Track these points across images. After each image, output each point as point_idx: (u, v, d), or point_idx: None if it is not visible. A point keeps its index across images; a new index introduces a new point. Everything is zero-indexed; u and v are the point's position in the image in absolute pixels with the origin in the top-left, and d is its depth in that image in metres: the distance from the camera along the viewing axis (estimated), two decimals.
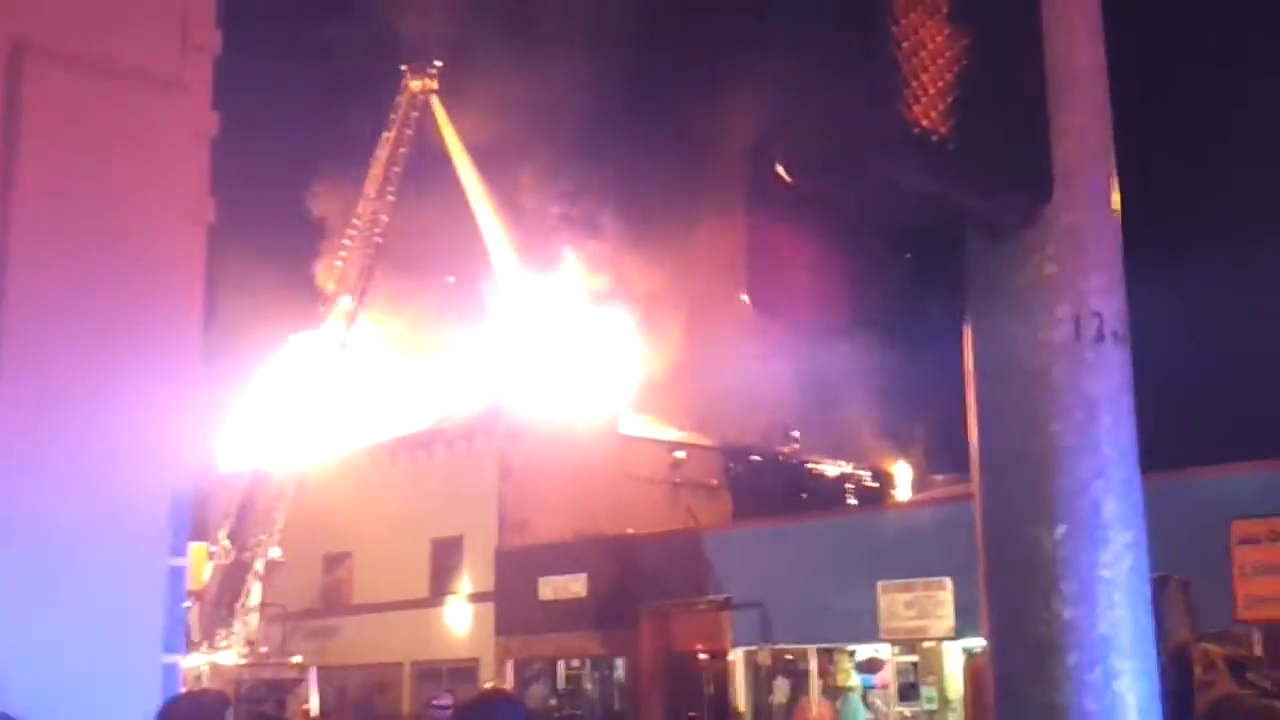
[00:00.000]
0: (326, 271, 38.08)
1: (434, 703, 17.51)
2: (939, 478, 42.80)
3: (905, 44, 2.61)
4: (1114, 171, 3.12)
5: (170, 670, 6.43)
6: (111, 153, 6.37)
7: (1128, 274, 3.12)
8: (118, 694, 6.19)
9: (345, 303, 35.98)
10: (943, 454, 44.40)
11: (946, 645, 29.26)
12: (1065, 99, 3.02)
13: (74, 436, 6.18)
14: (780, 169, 2.76)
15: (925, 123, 2.63)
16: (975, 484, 3.09)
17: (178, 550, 6.55)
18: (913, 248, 3.28)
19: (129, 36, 6.45)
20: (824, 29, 2.67)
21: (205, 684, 30.81)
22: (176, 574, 6.52)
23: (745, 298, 3.53)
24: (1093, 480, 2.92)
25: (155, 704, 6.32)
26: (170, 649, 6.45)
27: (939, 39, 2.68)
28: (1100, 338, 2.97)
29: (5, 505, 5.97)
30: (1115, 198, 3.11)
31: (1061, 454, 2.93)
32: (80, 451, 6.20)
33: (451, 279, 37.33)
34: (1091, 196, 3.04)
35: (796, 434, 44.42)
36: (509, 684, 37.35)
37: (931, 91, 2.65)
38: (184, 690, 5.42)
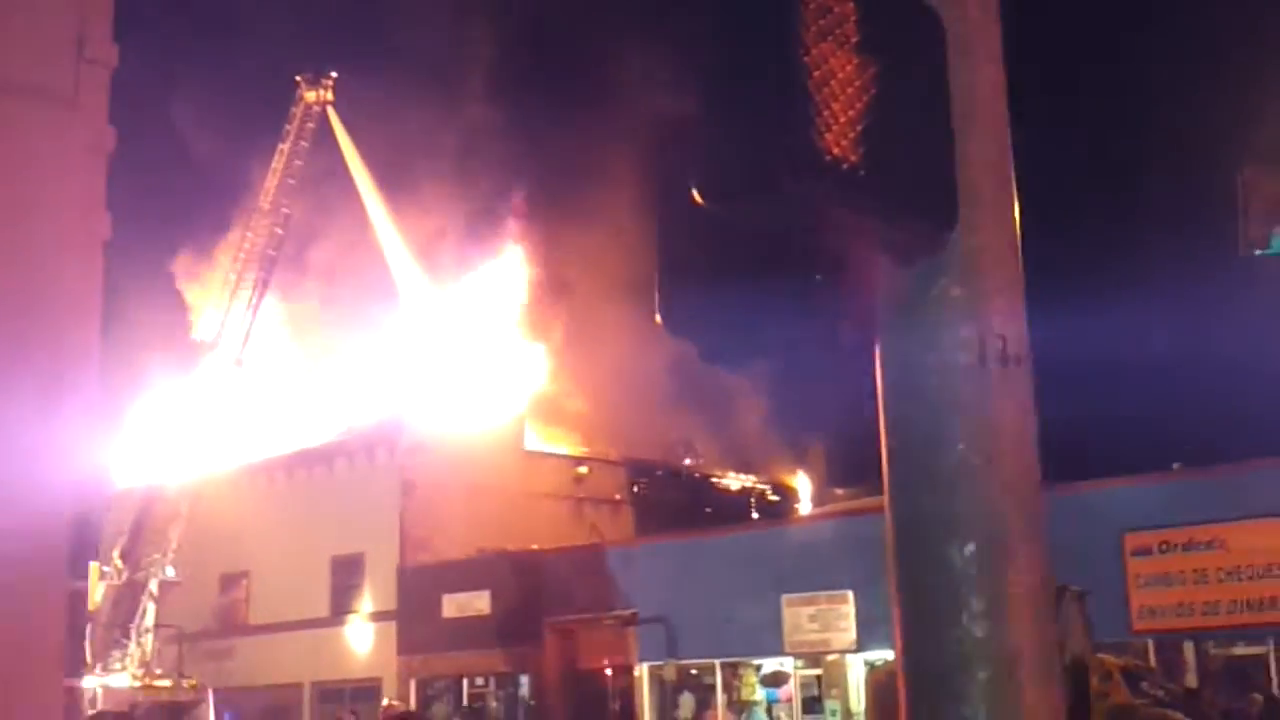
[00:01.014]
0: (221, 285, 37.45)
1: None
2: (839, 490, 43.24)
3: (816, 73, 2.67)
4: (1014, 196, 3.21)
5: (72, 693, 6.28)
6: (4, 168, 6.23)
7: (1027, 290, 3.21)
8: (20, 714, 6.05)
9: (240, 316, 35.42)
10: (843, 467, 44.92)
11: (849, 658, 29.56)
12: (968, 126, 3.11)
13: None
14: (695, 193, 2.80)
15: (836, 150, 2.69)
16: (886, 503, 3.15)
17: (78, 572, 6.42)
18: (824, 270, 3.34)
19: (23, 51, 6.32)
20: (740, 59, 2.71)
21: (100, 707, 30.12)
22: (77, 596, 6.38)
23: (659, 319, 3.57)
24: (1000, 497, 2.99)
25: None
26: (71, 673, 6.31)
27: (848, 69, 2.74)
28: (1004, 359, 3.05)
29: None
30: (1016, 222, 3.20)
31: (969, 473, 3.00)
32: None
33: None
34: (994, 221, 3.13)
35: (681, 448, 44.64)
36: (412, 703, 37.00)
37: (842, 120, 2.71)
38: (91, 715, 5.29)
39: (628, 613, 33.03)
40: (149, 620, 33.21)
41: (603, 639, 33.89)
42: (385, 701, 19.80)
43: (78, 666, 5.89)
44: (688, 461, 45.39)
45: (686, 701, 32.94)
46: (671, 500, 42.23)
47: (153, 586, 33.49)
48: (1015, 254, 3.17)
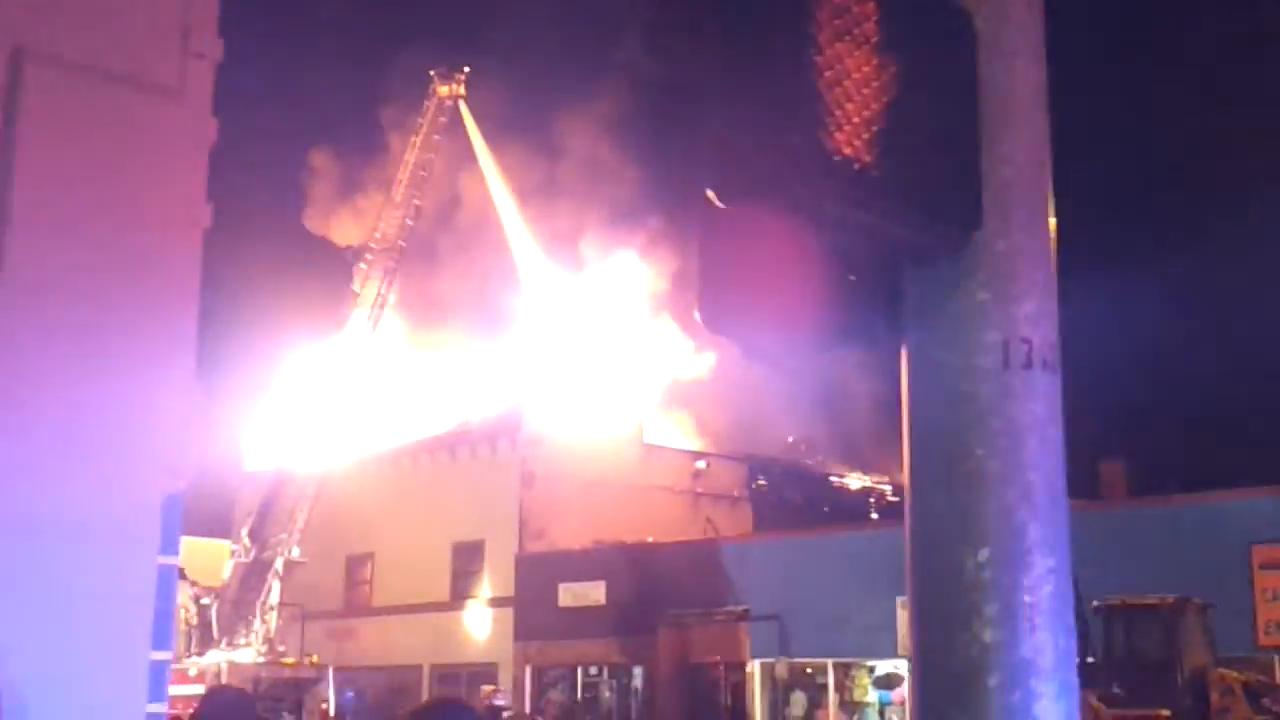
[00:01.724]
0: (353, 274, 38.25)
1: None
2: None
3: (828, 73, 2.66)
4: (1050, 199, 3.15)
5: (159, 667, 6.52)
6: (109, 158, 6.48)
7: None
8: (105, 689, 6.29)
9: (370, 305, 36.15)
10: None
11: None
12: (1002, 127, 3.06)
13: (66, 437, 6.29)
14: (710, 194, 2.81)
15: (847, 151, 2.68)
16: (906, 504, 3.13)
17: (169, 549, 6.64)
18: (857, 270, 3.32)
19: (129, 43, 6.56)
20: (751, 59, 2.72)
21: (224, 681, 31.01)
22: (167, 572, 6.61)
23: (698, 317, 3.58)
24: (1017, 505, 2.95)
25: (143, 699, 6.42)
26: (160, 646, 6.54)
27: (866, 69, 2.73)
28: (1029, 364, 3.00)
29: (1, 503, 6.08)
30: (1051, 225, 3.14)
31: (987, 478, 2.96)
32: (72, 451, 6.30)
33: None
34: (1026, 224, 3.07)
35: (803, 445, 44.37)
36: (527, 689, 37.46)
37: (855, 120, 2.70)
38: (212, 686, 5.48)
39: (741, 609, 33.01)
40: (274, 598, 34.08)
41: (716, 634, 33.91)
42: (489, 687, 20.06)
43: (168, 640, 6.11)
44: (808, 460, 45.13)
45: (798, 700, 32.81)
46: (790, 498, 42.04)
47: (279, 565, 34.36)
48: (1048, 258, 3.11)
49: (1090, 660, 23.73)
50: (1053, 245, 3.13)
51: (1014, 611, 2.91)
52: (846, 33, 2.70)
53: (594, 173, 44.20)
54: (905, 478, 3.14)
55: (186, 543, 39.69)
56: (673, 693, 34.86)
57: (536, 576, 37.69)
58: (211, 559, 37.06)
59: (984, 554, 2.93)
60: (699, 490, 41.00)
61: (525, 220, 44.47)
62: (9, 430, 6.24)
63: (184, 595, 34.82)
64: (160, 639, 6.53)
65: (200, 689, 30.75)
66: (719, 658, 34.13)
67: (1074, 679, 2.99)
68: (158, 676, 6.45)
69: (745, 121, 2.68)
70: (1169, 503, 29.81)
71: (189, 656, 33.22)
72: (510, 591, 38.67)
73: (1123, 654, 23.27)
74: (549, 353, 42.49)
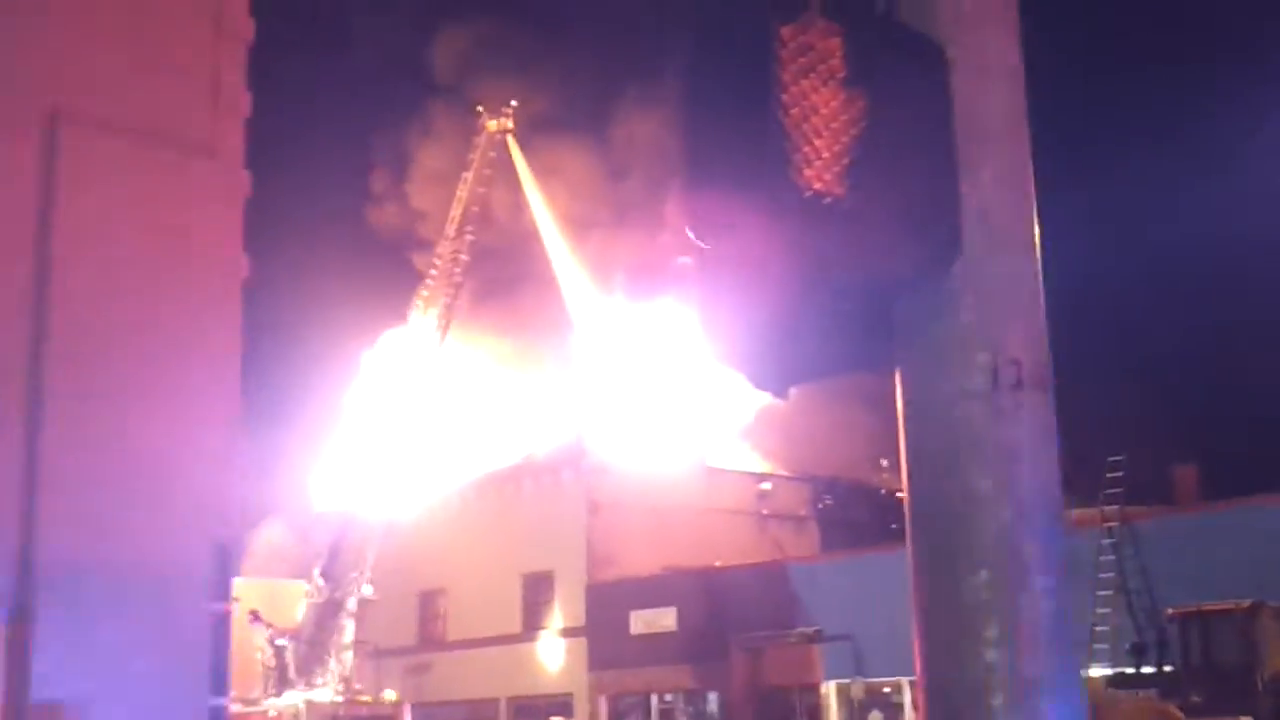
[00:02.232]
0: (412, 309, 38.64)
1: None
2: None
3: (794, 110, 2.71)
4: (1034, 218, 3.18)
5: (217, 712, 6.64)
6: (147, 215, 6.66)
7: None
8: None
9: (429, 340, 36.48)
10: None
11: None
12: (981, 151, 3.10)
13: (116, 490, 6.45)
14: (689, 232, 2.87)
15: (818, 185, 2.73)
16: (908, 528, 3.15)
17: (221, 595, 6.78)
18: (851, 298, 3.36)
19: (162, 102, 6.74)
20: (723, 100, 2.78)
21: None
22: (220, 620, 6.74)
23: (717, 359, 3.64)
24: (1013, 525, 2.97)
25: None
26: (217, 692, 6.66)
27: (833, 104, 2.78)
28: (1018, 384, 3.03)
29: (57, 556, 6.24)
30: (1036, 245, 3.17)
31: (980, 500, 2.99)
32: (122, 504, 6.46)
33: None
34: (1010, 246, 3.11)
35: (885, 463, 44.03)
36: (603, 719, 37.45)
37: (826, 155, 2.75)
38: None
39: (812, 630, 32.82)
40: (348, 637, 34.35)
41: (789, 656, 33.73)
42: None
43: (223, 685, 6.24)
44: (874, 478, 44.83)
45: (875, 719, 32.54)
46: (856, 516, 41.78)
47: (351, 604, 34.64)
48: (1035, 278, 3.14)
49: (1168, 669, 23.40)
50: (1038, 264, 3.15)
51: (1015, 632, 2.93)
52: (811, 69, 2.76)
53: (652, 198, 44.42)
54: (906, 500, 3.17)
55: (260, 584, 40.22)
56: (748, 716, 34.70)
57: (607, 605, 37.71)
58: (285, 600, 37.48)
59: (983, 575, 2.96)
60: (764, 512, 40.87)
61: (578, 251, 44.72)
62: (62, 486, 6.40)
63: (260, 637, 35.26)
64: (217, 685, 6.65)
65: None
66: (793, 680, 33.94)
67: (1079, 696, 3.01)
68: None
69: (715, 161, 2.74)
70: (1242, 505, 29.32)
71: (267, 698, 33.60)
72: (582, 621, 38.72)
73: (1200, 661, 22.91)
74: (609, 381, 42.63)
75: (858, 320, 3.35)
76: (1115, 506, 28.16)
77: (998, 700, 2.90)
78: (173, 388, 6.58)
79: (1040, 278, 3.15)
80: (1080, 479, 30.42)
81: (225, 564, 6.70)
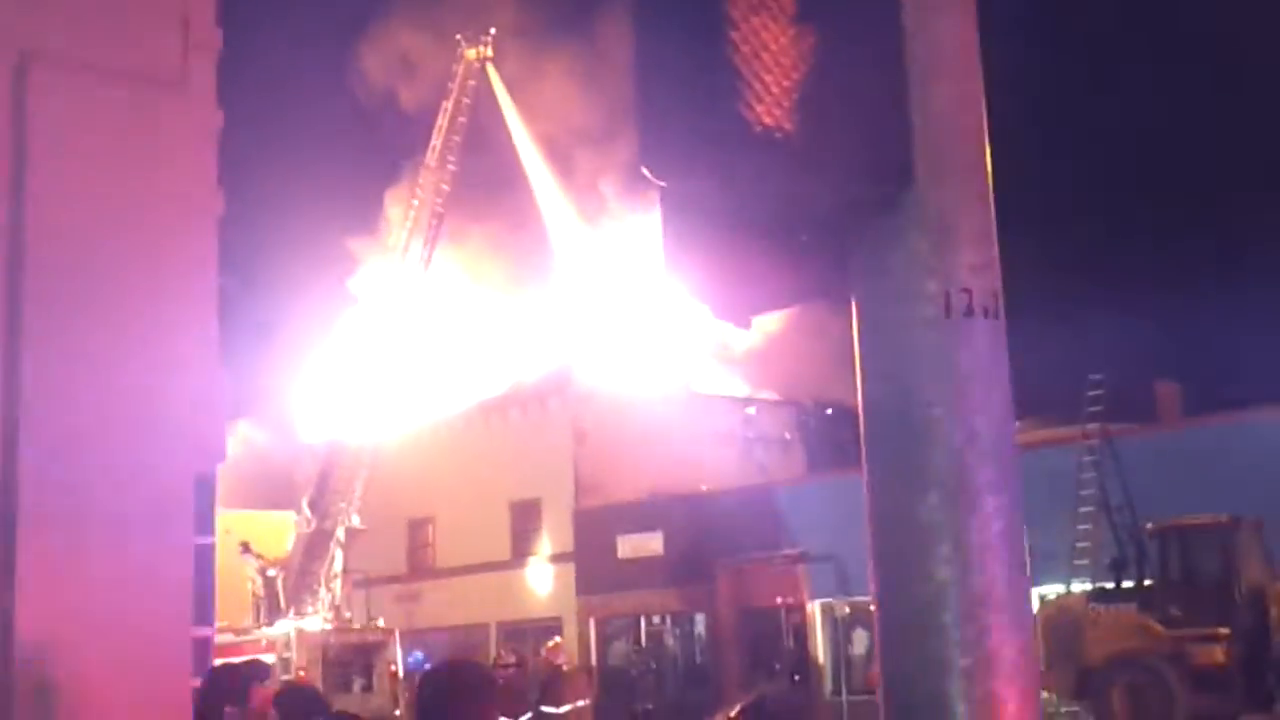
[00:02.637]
0: (391, 239, 38.58)
1: (500, 662, 17.95)
2: (1017, 424, 42.39)
3: (745, 47, 2.76)
4: (985, 149, 3.24)
5: (202, 643, 6.77)
6: (119, 153, 6.66)
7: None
8: (150, 666, 6.56)
9: (411, 270, 36.46)
10: (1019, 400, 43.96)
11: None
12: (932, 82, 3.14)
13: (98, 426, 6.52)
14: (644, 170, 2.93)
15: (768, 120, 2.78)
16: (863, 454, 3.25)
17: (204, 529, 6.88)
18: (808, 229, 3.43)
19: (131, 39, 6.73)
20: (674, 37, 2.82)
21: (294, 649, 31.70)
22: (203, 551, 6.85)
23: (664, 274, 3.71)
24: (964, 449, 3.06)
25: (187, 675, 6.68)
26: (201, 622, 6.79)
27: (783, 40, 2.83)
28: (969, 312, 3.11)
29: (36, 491, 6.32)
30: (987, 175, 3.23)
31: (933, 424, 3.07)
32: (105, 440, 6.54)
33: None
34: (961, 176, 3.17)
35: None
36: (592, 642, 37.96)
37: (775, 91, 2.80)
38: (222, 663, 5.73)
39: (797, 551, 33.22)
40: (337, 566, 34.66)
41: (774, 577, 34.17)
42: (552, 641, 20.37)
43: (210, 616, 6.38)
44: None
45: (860, 637, 33.02)
46: (842, 438, 42.08)
47: (340, 534, 34.92)
48: (986, 206, 3.20)
49: (1148, 583, 23.77)
50: (989, 193, 3.22)
51: (964, 550, 3.03)
52: (762, 6, 2.80)
53: (627, 118, 44.12)
54: (862, 426, 3.26)
55: (250, 516, 40.49)
56: (735, 637, 35.23)
57: (594, 531, 38.10)
58: (275, 531, 37.74)
59: (934, 496, 3.05)
60: (750, 435, 41.18)
61: (558, 176, 44.54)
62: (42, 423, 6.47)
63: (250, 568, 35.56)
64: (201, 616, 6.77)
65: (271, 658, 31.43)
66: (779, 600, 34.41)
67: (1028, 612, 3.12)
68: (201, 653, 6.70)
69: (665, 99, 2.79)
70: (1224, 421, 29.63)
71: (258, 628, 33.95)
72: (570, 547, 39.13)
73: (1179, 575, 23.29)
74: (595, 308, 42.69)
75: (814, 251, 3.43)
76: (1096, 424, 28.41)
77: (947, 616, 3.01)
78: (150, 322, 6.63)
79: (992, 207, 3.22)
80: (1061, 397, 30.68)
81: (207, 497, 6.80)
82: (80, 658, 6.26)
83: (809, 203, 3.05)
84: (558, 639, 22.04)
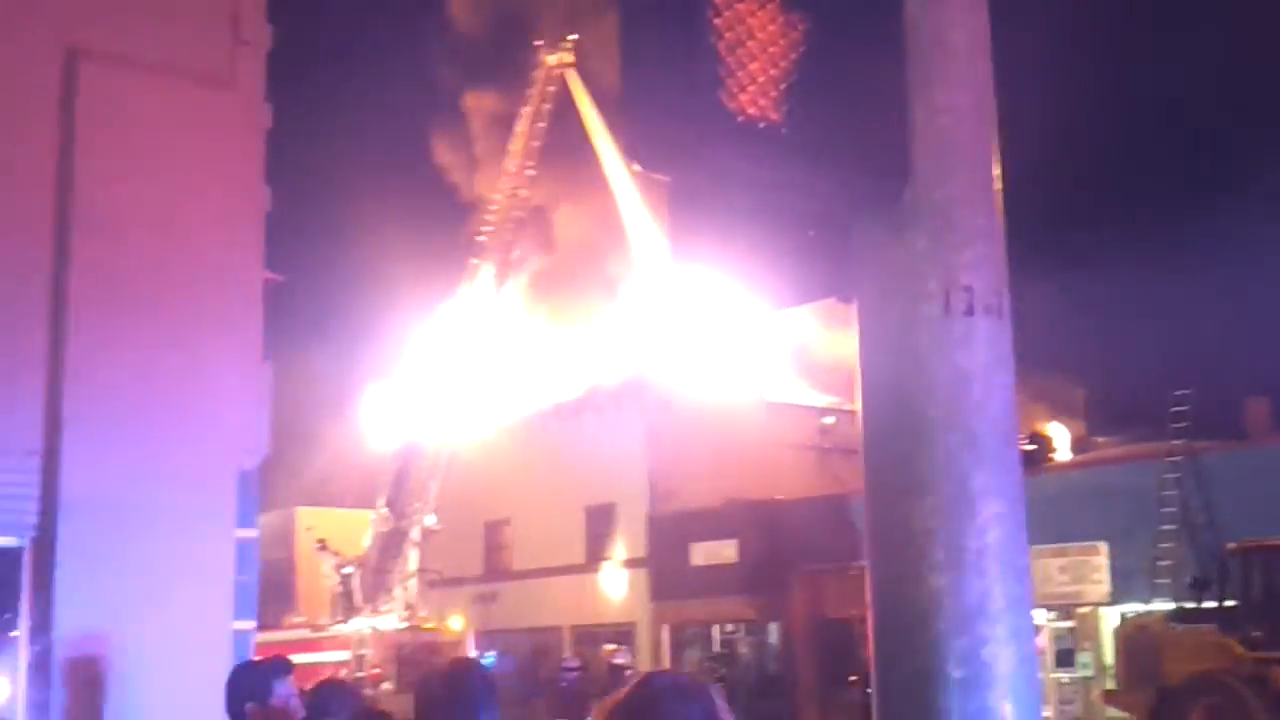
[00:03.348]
0: (471, 246, 38.84)
1: (563, 666, 17.94)
2: (1101, 439, 41.73)
3: (729, 34, 2.68)
4: (994, 145, 3.12)
5: (242, 636, 6.81)
6: (166, 150, 6.72)
7: None
8: (191, 657, 6.60)
9: (489, 275, 36.66)
10: (1105, 415, 43.31)
11: (1103, 610, 28.64)
12: (938, 75, 3.04)
13: (141, 418, 6.58)
14: (634, 164, 2.86)
15: (752, 110, 2.70)
16: (862, 456, 3.15)
17: (246, 523, 6.92)
18: (815, 225, 3.34)
19: (180, 36, 6.79)
20: (660, 24, 2.75)
21: (368, 647, 32.00)
22: (245, 546, 6.89)
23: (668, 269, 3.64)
24: (960, 452, 2.95)
25: (226, 667, 6.70)
26: (242, 616, 6.82)
27: (770, 28, 2.74)
28: (970, 311, 3.00)
29: (79, 482, 6.39)
30: (995, 173, 3.12)
31: (930, 426, 2.97)
32: (148, 432, 6.59)
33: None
34: (966, 172, 3.06)
35: None
36: (665, 648, 37.85)
37: (761, 79, 2.72)
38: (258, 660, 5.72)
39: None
40: (412, 565, 34.94)
41: (849, 588, 33.76)
42: (611, 645, 20.35)
43: (250, 610, 6.41)
44: None
45: None
46: None
47: (415, 534, 35.19)
48: (991, 204, 3.09)
49: (1229, 603, 23.16)
50: (994, 190, 3.10)
51: (959, 558, 2.92)
52: None
53: None
54: (860, 429, 3.16)
55: (329, 514, 40.94)
56: (809, 648, 34.90)
57: (669, 537, 37.97)
58: (353, 530, 38.14)
59: (929, 501, 2.94)
60: (826, 445, 40.80)
61: (640, 185, 44.49)
62: (92, 419, 6.55)
63: (327, 565, 35.97)
64: (243, 609, 6.81)
65: (346, 654, 31.77)
66: (852, 612, 34.03)
67: (1026, 623, 2.99)
68: (240, 645, 6.73)
69: (650, 86, 2.72)
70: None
71: (334, 624, 34.33)
72: (644, 552, 39.04)
73: (1261, 596, 22.66)
74: (671, 315, 42.58)
75: (820, 247, 3.34)
76: (1181, 441, 27.79)
77: (940, 626, 2.90)
78: (194, 317, 6.69)
79: (998, 202, 3.11)
80: (1146, 412, 30.07)
81: (251, 492, 6.84)
82: (119, 647, 6.31)
83: (804, 197, 2.96)
84: (619, 645, 22.01)
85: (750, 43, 2.70)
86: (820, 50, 2.81)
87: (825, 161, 2.84)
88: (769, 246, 3.42)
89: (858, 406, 3.17)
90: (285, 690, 5.29)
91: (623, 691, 2.35)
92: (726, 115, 2.66)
